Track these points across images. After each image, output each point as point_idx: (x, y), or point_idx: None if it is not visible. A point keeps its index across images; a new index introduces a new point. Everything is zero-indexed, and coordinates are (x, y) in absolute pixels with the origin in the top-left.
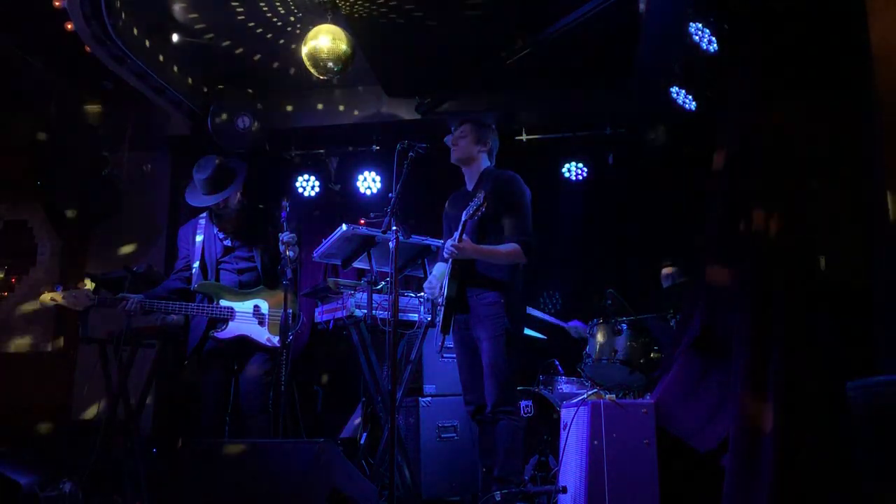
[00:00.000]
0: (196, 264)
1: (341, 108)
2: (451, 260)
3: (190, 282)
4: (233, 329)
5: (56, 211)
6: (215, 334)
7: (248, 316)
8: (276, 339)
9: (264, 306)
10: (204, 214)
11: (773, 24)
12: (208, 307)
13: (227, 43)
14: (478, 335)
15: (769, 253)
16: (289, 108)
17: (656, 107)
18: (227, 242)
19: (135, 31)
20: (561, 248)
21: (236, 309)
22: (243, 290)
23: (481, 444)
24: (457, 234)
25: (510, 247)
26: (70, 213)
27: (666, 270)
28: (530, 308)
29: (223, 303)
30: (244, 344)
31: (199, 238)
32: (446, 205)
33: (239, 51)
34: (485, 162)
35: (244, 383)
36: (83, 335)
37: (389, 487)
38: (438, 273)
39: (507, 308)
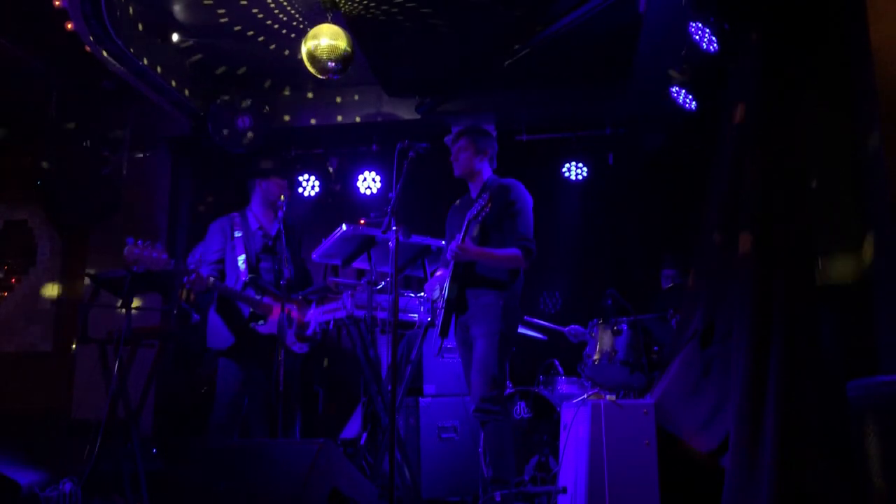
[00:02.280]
0: (241, 257)
1: (341, 108)
2: (452, 262)
3: (223, 274)
4: (271, 325)
5: (56, 211)
6: (256, 326)
7: (283, 317)
8: (304, 346)
9: (294, 310)
10: (236, 214)
11: (773, 23)
12: (258, 298)
13: (227, 43)
14: (474, 334)
15: (769, 253)
16: (289, 108)
17: (656, 107)
18: (269, 243)
19: (135, 31)
20: (561, 248)
21: (276, 307)
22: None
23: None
24: (459, 236)
25: (511, 251)
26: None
27: (666, 271)
28: (528, 316)
29: (265, 299)
30: (274, 342)
31: (237, 234)
32: (450, 211)
33: (239, 50)
34: (487, 170)
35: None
36: (83, 335)
37: (389, 487)
38: (439, 276)
39: (503, 309)
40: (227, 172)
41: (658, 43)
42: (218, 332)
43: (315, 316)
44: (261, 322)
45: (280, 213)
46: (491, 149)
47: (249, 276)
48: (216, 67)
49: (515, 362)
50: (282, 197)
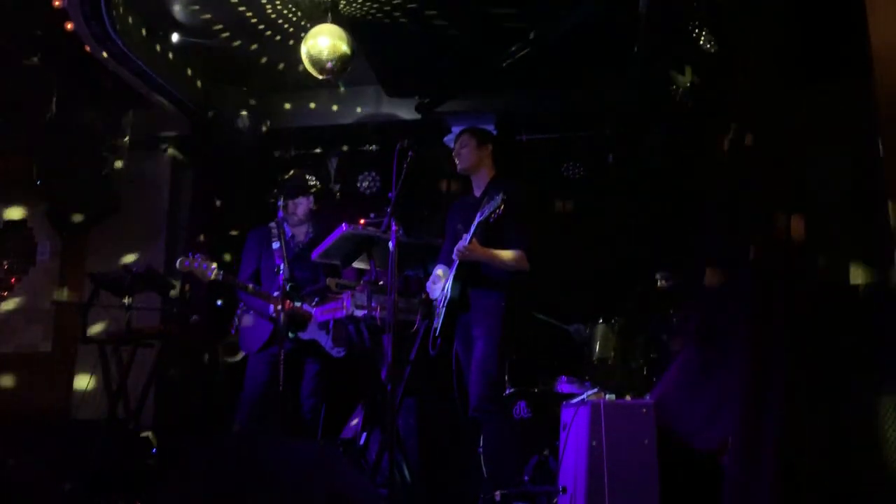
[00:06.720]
0: (280, 266)
1: (341, 108)
2: (456, 261)
3: (258, 282)
4: (310, 332)
5: (56, 211)
6: (300, 335)
7: (319, 323)
8: (342, 351)
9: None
10: (273, 224)
11: (773, 23)
12: (297, 308)
13: (226, 42)
14: (474, 334)
15: (769, 253)
16: (288, 107)
17: (656, 106)
18: (301, 250)
19: (134, 31)
20: (560, 248)
21: (314, 314)
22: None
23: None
24: (467, 237)
25: (516, 253)
26: (76, 218)
27: (666, 272)
28: (535, 313)
29: (304, 307)
30: (311, 349)
31: (275, 245)
32: (451, 209)
33: (239, 50)
34: (491, 167)
35: (304, 392)
36: (83, 335)
37: (389, 487)
38: (440, 274)
39: (505, 311)
40: (228, 172)
41: (658, 43)
42: (251, 335)
43: (315, 316)
44: (300, 331)
45: (280, 213)
46: (494, 146)
47: (287, 285)
48: (216, 67)
49: (515, 362)
50: (281, 200)
